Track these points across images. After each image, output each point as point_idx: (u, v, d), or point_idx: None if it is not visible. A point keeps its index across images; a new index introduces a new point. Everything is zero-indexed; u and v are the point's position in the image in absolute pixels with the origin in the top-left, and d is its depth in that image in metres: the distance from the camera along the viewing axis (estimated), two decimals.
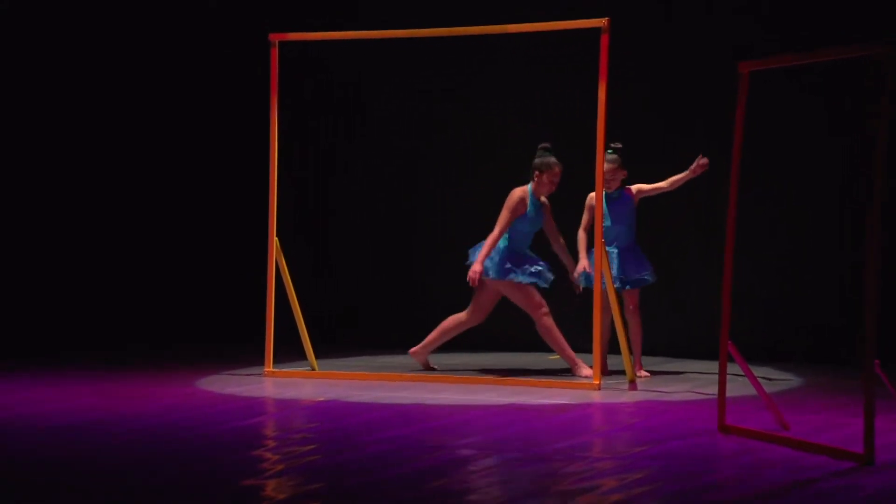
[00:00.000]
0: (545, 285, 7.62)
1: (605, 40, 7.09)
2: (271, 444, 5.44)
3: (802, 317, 8.42)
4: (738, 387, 6.65)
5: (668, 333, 8.62)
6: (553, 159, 7.58)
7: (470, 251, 7.71)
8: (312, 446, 5.28)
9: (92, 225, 9.53)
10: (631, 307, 7.66)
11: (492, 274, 7.55)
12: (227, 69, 9.68)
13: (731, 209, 5.59)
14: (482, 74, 9.26)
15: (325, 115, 9.70)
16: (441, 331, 7.82)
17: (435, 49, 8.76)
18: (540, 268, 7.59)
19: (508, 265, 7.53)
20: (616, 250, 7.63)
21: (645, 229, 7.96)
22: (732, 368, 5.90)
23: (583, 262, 7.60)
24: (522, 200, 7.56)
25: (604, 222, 7.43)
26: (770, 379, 7.38)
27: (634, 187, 7.72)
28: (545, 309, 7.59)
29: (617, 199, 7.64)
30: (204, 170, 9.84)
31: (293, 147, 9.13)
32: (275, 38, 7.75)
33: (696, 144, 7.93)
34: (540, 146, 7.65)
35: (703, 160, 7.47)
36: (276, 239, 7.74)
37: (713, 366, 6.42)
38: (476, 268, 7.50)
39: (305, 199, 9.67)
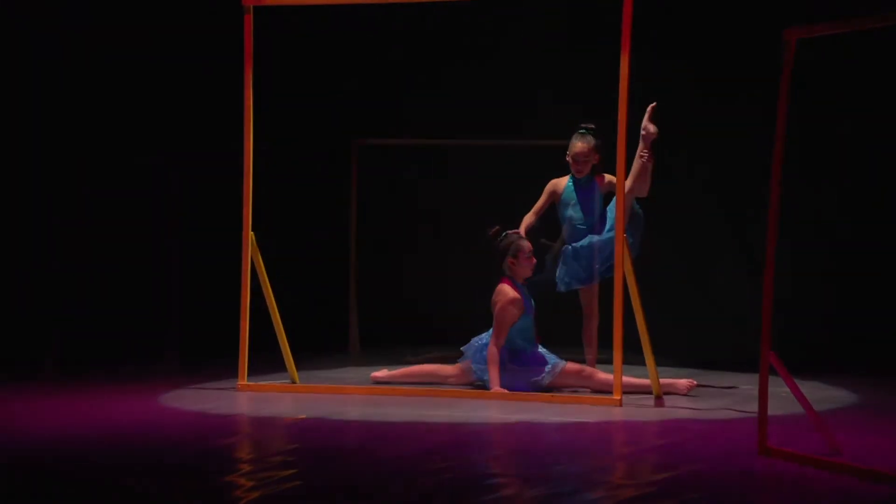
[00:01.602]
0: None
1: (628, 4, 7.04)
2: (246, 468, 5.40)
3: (856, 324, 8.40)
4: (782, 403, 6.63)
5: (703, 342, 8.62)
6: (513, 235, 7.64)
7: (464, 350, 7.79)
8: (293, 471, 5.25)
9: (44, 229, 9.58)
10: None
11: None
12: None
13: (774, 194, 5.55)
14: (493, 47, 9.32)
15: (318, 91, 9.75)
16: (417, 372, 7.91)
17: (441, 16, 8.82)
18: (547, 367, 7.60)
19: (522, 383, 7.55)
20: (591, 243, 7.71)
21: (676, 229, 7.97)
22: (775, 382, 5.88)
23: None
24: (515, 303, 7.54)
25: (573, 213, 7.59)
26: (819, 394, 7.35)
27: (607, 177, 7.72)
28: (585, 371, 7.60)
29: (586, 187, 7.71)
30: (176, 159, 9.86)
31: (267, 122, 9.15)
32: (249, 2, 7.73)
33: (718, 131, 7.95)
34: (491, 232, 7.66)
35: (650, 127, 7.45)
36: (251, 233, 7.72)
37: (753, 379, 6.39)
38: (496, 390, 7.46)
39: (287, 187, 9.67)
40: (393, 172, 9.99)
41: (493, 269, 7.63)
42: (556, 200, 7.84)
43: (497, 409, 6.95)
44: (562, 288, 7.88)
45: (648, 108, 7.39)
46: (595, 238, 7.71)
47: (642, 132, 7.38)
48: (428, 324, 9.40)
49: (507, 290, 7.54)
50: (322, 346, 9.34)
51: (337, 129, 9.79)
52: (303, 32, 9.69)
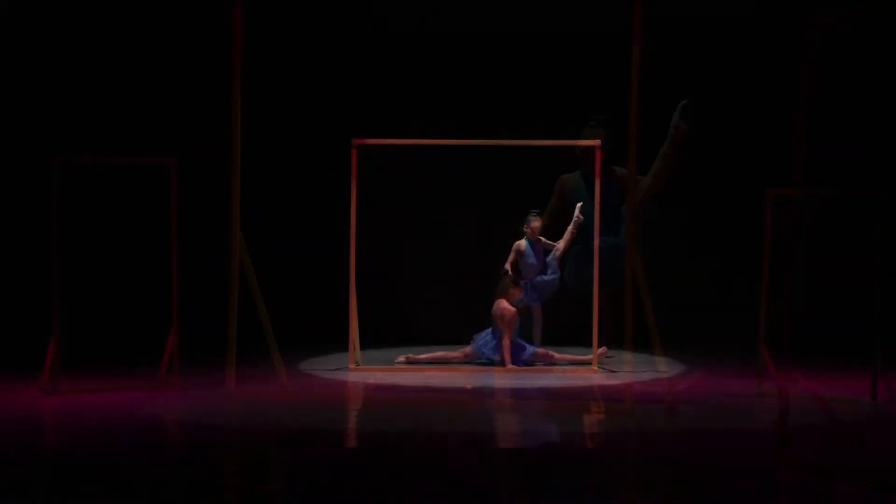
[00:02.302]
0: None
1: None
2: (233, 481, 5.36)
3: (887, 329, 8.38)
4: (804, 413, 6.59)
5: (721, 348, 8.63)
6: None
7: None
8: (283, 483, 5.23)
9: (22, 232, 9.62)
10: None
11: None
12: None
13: (795, 184, 5.51)
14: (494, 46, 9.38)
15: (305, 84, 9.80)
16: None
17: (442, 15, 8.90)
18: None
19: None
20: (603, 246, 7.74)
21: (688, 230, 7.98)
22: (795, 391, 5.83)
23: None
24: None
25: (585, 208, 7.64)
26: (842, 403, 7.30)
27: (619, 171, 7.74)
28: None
29: (601, 181, 7.74)
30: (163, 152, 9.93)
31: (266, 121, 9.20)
32: None
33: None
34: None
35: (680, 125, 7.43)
36: (239, 233, 7.67)
37: (771, 386, 6.35)
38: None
39: (285, 186, 9.73)
40: (393, 172, 10.02)
41: (492, 270, 7.71)
42: (566, 197, 7.83)
43: (500, 417, 6.91)
44: (577, 289, 7.88)
45: (679, 106, 7.30)
46: (609, 240, 7.70)
47: (672, 130, 7.30)
48: (428, 324, 9.46)
49: (506, 287, 7.70)
50: (321, 347, 9.34)
51: (337, 129, 9.83)
52: (302, 32, 9.74)
